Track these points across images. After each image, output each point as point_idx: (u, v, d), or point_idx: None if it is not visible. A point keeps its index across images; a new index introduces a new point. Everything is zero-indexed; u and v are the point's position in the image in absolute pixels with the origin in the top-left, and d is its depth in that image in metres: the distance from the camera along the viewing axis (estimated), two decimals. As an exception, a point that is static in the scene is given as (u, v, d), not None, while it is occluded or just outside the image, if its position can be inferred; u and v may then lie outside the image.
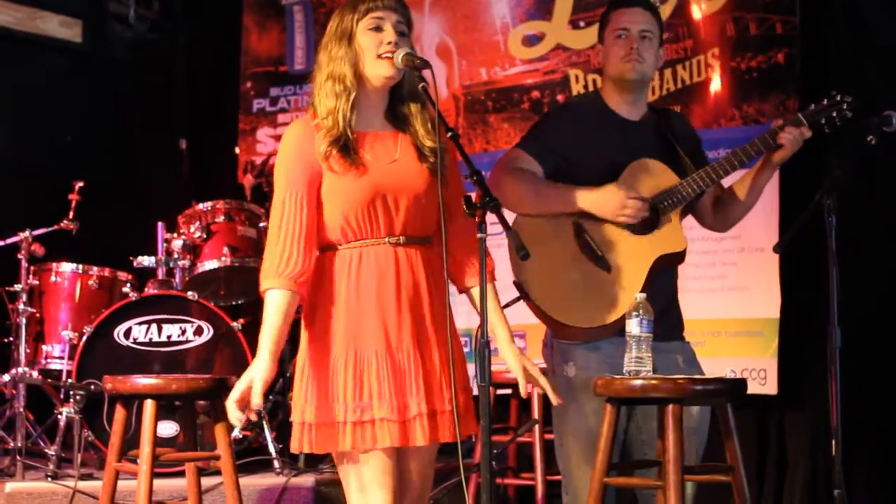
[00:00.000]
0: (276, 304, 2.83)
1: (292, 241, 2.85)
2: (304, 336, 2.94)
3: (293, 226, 2.86)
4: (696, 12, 5.27)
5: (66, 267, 5.31)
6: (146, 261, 5.22)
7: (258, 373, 2.76)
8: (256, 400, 2.74)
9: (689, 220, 3.56)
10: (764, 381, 4.87)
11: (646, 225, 3.38)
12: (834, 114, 3.42)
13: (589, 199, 3.34)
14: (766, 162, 3.46)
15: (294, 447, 2.90)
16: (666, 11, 5.28)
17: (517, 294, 3.40)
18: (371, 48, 2.87)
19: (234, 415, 2.77)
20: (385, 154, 2.91)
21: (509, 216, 2.94)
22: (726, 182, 3.54)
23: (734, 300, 5.04)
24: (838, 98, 3.42)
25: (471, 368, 3.04)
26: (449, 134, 2.82)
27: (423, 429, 2.82)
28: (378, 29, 2.88)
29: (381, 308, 2.86)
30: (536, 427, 4.63)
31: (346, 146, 2.86)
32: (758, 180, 3.49)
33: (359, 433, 2.80)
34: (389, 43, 2.86)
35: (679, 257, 3.43)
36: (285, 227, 2.86)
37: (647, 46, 3.43)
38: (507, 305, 3.49)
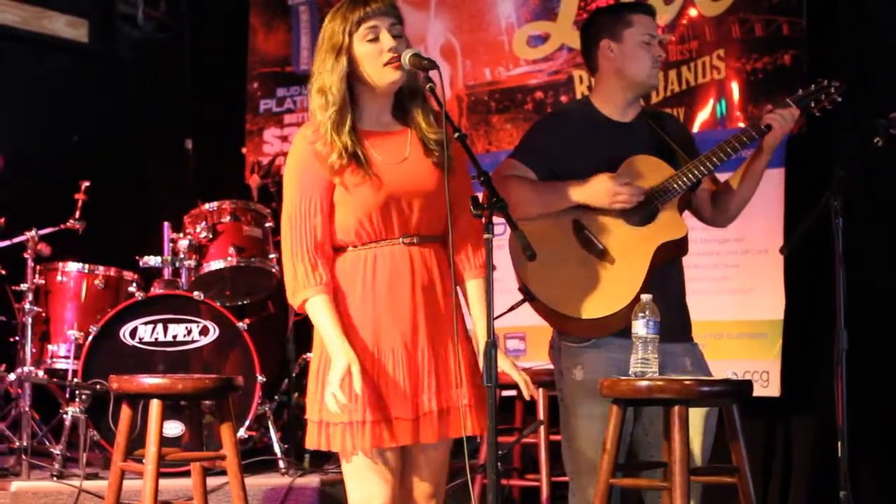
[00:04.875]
0: (322, 307, 2.86)
1: (312, 251, 2.88)
2: (318, 335, 2.95)
3: (309, 235, 2.88)
4: (702, 13, 5.26)
5: (72, 266, 5.31)
6: (152, 261, 5.21)
7: (351, 358, 2.79)
8: (358, 383, 2.77)
9: (691, 222, 3.55)
10: (766, 384, 4.86)
11: (644, 217, 3.39)
12: (823, 97, 3.45)
13: (582, 191, 3.36)
14: (758, 148, 3.47)
15: (310, 444, 2.93)
16: (671, 12, 5.28)
17: (521, 297, 3.40)
18: (373, 58, 2.88)
19: (339, 400, 2.76)
20: (395, 152, 2.93)
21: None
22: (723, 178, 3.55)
23: (737, 302, 5.03)
24: (825, 83, 3.45)
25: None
26: (456, 135, 2.83)
27: (434, 426, 2.87)
28: (375, 38, 2.88)
29: (397, 307, 2.89)
30: (541, 428, 4.63)
31: (356, 154, 2.87)
32: (752, 168, 3.49)
33: (376, 432, 2.84)
34: (390, 50, 2.87)
35: (681, 246, 3.43)
36: (301, 238, 2.88)
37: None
38: (511, 309, 3.51)
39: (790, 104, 3.43)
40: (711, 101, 5.22)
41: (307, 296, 2.87)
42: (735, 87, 5.15)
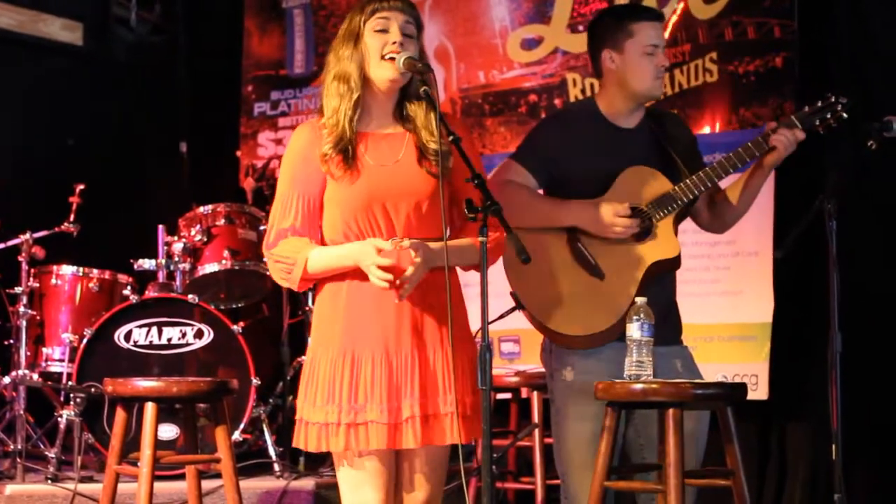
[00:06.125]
0: (321, 250, 2.88)
1: (299, 232, 2.91)
2: (311, 336, 2.97)
3: (299, 221, 2.91)
4: (695, 16, 5.27)
5: (67, 269, 5.31)
6: (147, 264, 5.22)
7: (365, 240, 2.83)
8: (390, 246, 2.80)
9: (683, 224, 3.53)
10: (755, 387, 4.86)
11: (639, 232, 3.38)
12: (829, 115, 3.37)
13: (579, 216, 3.34)
14: (758, 165, 3.43)
15: (294, 443, 2.94)
16: (664, 15, 5.28)
17: (513, 304, 3.40)
18: (376, 49, 2.88)
19: (382, 264, 2.78)
20: (388, 155, 2.92)
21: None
22: (723, 185, 3.54)
23: (727, 305, 5.03)
24: (833, 99, 3.38)
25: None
26: (451, 138, 2.82)
27: (416, 432, 2.84)
28: (384, 30, 2.89)
29: (380, 310, 2.88)
30: (536, 431, 4.64)
31: (346, 150, 2.88)
32: (751, 184, 3.46)
33: (352, 434, 2.83)
34: (394, 44, 2.87)
35: (673, 263, 3.42)
36: (290, 223, 2.90)
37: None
38: (503, 315, 3.50)
39: (795, 124, 3.35)
40: (704, 104, 5.23)
41: (304, 257, 2.87)
42: (727, 90, 5.16)
